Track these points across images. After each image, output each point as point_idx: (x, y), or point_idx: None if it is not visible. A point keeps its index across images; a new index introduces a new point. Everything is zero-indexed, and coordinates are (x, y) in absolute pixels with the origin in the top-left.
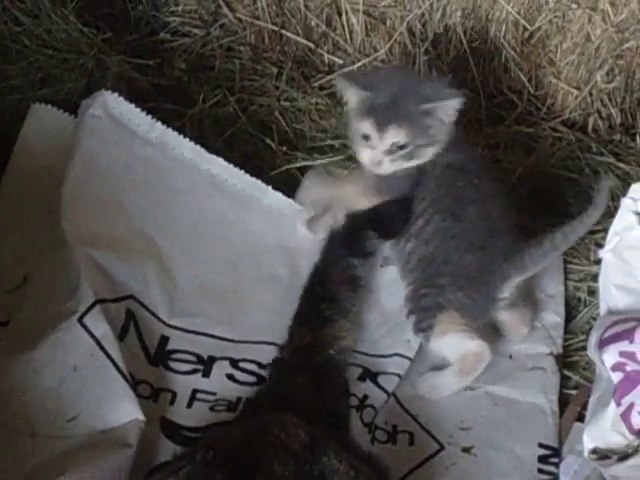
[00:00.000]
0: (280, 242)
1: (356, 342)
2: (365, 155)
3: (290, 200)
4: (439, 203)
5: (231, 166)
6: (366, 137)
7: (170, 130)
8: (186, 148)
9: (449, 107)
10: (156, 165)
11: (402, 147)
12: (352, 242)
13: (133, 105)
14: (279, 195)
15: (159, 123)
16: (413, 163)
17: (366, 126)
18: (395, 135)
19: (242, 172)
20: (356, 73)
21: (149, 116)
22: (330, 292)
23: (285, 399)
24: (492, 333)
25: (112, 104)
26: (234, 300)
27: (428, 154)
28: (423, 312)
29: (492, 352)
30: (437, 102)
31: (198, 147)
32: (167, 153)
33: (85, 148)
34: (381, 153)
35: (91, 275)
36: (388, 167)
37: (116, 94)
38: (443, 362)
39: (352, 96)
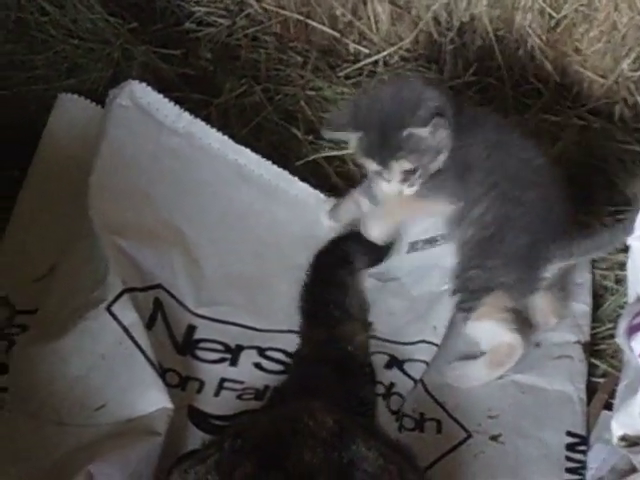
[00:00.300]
0: (305, 233)
1: (370, 338)
2: (385, 188)
3: (316, 191)
4: (497, 188)
5: (258, 156)
6: (378, 172)
7: (198, 120)
8: (213, 138)
9: (422, 132)
10: (183, 155)
11: (413, 171)
12: (335, 255)
13: (161, 95)
14: (306, 186)
15: (186, 113)
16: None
17: (372, 165)
18: (400, 166)
19: (269, 163)
20: (339, 116)
21: (177, 106)
22: (329, 298)
23: (312, 387)
24: (523, 322)
25: (140, 94)
26: (260, 289)
27: (440, 161)
28: (469, 293)
29: (525, 347)
30: (412, 128)
31: (225, 137)
32: (194, 143)
33: (112, 138)
34: (396, 184)
35: (119, 264)
36: (410, 190)
37: (144, 84)
38: (472, 350)
39: (349, 140)
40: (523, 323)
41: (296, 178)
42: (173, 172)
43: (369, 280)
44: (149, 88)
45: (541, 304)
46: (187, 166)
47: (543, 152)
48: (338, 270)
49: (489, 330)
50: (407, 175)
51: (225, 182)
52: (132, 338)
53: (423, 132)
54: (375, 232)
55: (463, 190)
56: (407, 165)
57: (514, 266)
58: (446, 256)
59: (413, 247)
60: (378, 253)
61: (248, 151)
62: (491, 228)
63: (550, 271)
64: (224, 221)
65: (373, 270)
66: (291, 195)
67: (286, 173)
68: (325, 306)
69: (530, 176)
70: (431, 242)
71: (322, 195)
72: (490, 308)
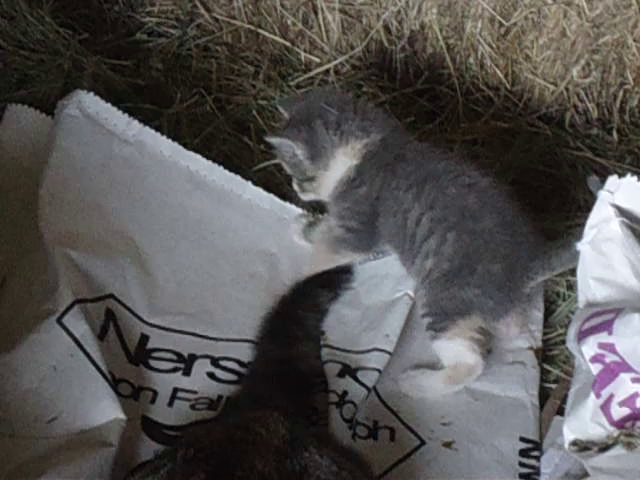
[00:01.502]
0: (260, 239)
1: (323, 347)
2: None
3: (270, 195)
4: (446, 221)
5: (209, 162)
6: None
7: (147, 128)
8: (164, 146)
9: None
10: (134, 164)
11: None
12: (326, 279)
13: (109, 104)
14: (259, 190)
15: (136, 122)
16: (313, 197)
17: None
18: (284, 167)
19: (221, 168)
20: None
21: (126, 115)
22: (298, 316)
23: (265, 397)
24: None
25: (88, 103)
26: (214, 297)
27: (314, 189)
28: (442, 315)
29: (483, 368)
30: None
31: (176, 144)
32: (145, 151)
33: (62, 148)
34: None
35: (69, 275)
36: (303, 196)
37: (92, 93)
38: (426, 359)
39: None
40: (487, 343)
41: (249, 182)
42: (124, 181)
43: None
44: (97, 97)
45: (508, 321)
46: (138, 175)
47: (484, 173)
48: (323, 292)
49: (455, 350)
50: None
51: (177, 189)
52: (83, 349)
53: (273, 141)
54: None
55: (391, 236)
56: (285, 167)
57: (492, 292)
58: (397, 265)
59: (365, 259)
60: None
61: (199, 157)
62: (455, 260)
63: (531, 286)
64: (176, 229)
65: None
66: (244, 199)
67: (238, 177)
68: (292, 325)
69: (477, 204)
70: (383, 252)
71: (276, 199)
72: (463, 329)
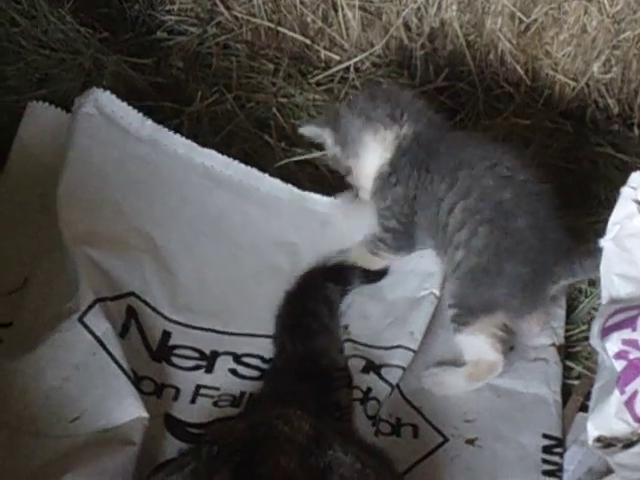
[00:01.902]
0: (280, 230)
1: (346, 341)
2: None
3: (288, 186)
4: (481, 214)
5: (225, 157)
6: None
7: (161, 127)
8: (178, 144)
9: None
10: (150, 162)
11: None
12: (332, 271)
13: (125, 103)
14: (277, 182)
15: (150, 121)
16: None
17: None
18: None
19: (236, 162)
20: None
21: (140, 114)
22: (311, 309)
23: (288, 394)
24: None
25: (104, 102)
26: (235, 293)
27: (355, 180)
28: (467, 309)
29: (505, 366)
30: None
31: (190, 142)
32: (159, 150)
33: (79, 147)
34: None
35: (90, 274)
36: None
37: (108, 92)
38: (450, 356)
39: None
40: (509, 341)
41: (266, 175)
42: (141, 179)
43: None
44: (114, 96)
45: (531, 320)
46: (155, 173)
47: (523, 163)
48: (329, 285)
49: (477, 345)
50: None
51: (194, 186)
52: (105, 348)
53: (302, 130)
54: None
55: (427, 226)
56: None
57: (517, 292)
58: (423, 261)
59: None
60: (375, 274)
61: (214, 153)
62: (484, 256)
63: (555, 290)
64: (196, 225)
65: None
66: (262, 192)
67: (255, 170)
68: (305, 318)
69: (513, 201)
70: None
71: (295, 189)
72: (486, 325)
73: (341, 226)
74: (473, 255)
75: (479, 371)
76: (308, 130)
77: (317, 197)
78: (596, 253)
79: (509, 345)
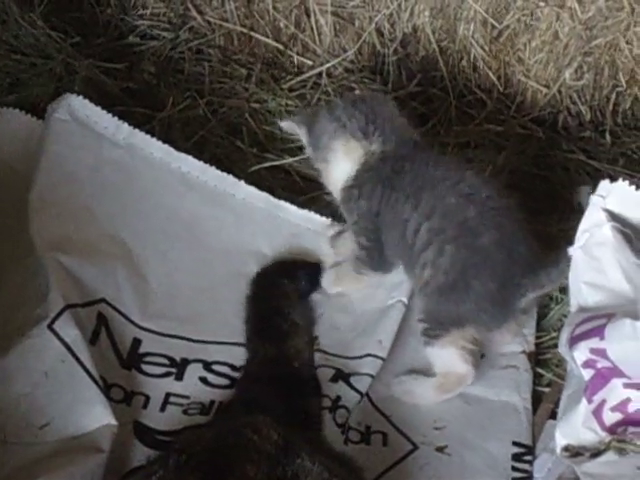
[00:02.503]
0: (252, 238)
1: (316, 352)
2: None
3: (264, 193)
4: (444, 233)
5: (201, 163)
6: None
7: (137, 131)
8: (155, 148)
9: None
10: (125, 167)
11: None
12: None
13: (99, 107)
14: (252, 189)
15: (126, 124)
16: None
17: None
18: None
19: (213, 168)
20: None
21: (115, 118)
22: (279, 310)
23: (258, 402)
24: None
25: (78, 107)
26: (206, 300)
27: (326, 182)
28: (437, 323)
29: (474, 377)
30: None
31: (167, 146)
32: (136, 154)
33: (52, 153)
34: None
35: (60, 280)
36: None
37: (81, 97)
38: (419, 364)
39: None
40: (479, 352)
41: (242, 182)
42: (115, 184)
43: (314, 294)
44: (87, 101)
45: (502, 331)
46: (129, 177)
47: (484, 181)
48: (283, 282)
49: (447, 357)
50: None
51: (169, 191)
52: (74, 355)
53: (281, 124)
54: (330, 290)
55: (394, 246)
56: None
57: (487, 308)
58: (391, 274)
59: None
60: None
61: (191, 158)
62: (451, 274)
63: (524, 303)
64: (169, 231)
65: None
66: (238, 199)
67: (231, 177)
68: (273, 319)
69: (477, 218)
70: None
71: (272, 198)
72: (456, 338)
73: (313, 241)
74: (440, 274)
75: (449, 382)
76: (287, 125)
77: (292, 208)
78: (562, 261)
79: (479, 356)
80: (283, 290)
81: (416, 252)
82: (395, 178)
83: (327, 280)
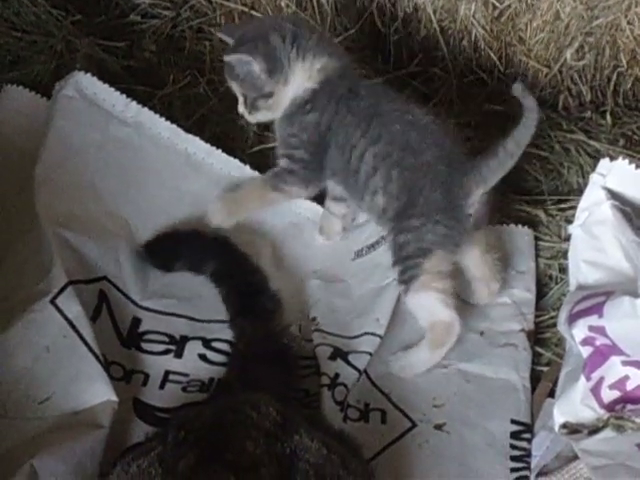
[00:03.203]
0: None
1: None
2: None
3: None
4: (390, 157)
5: (207, 145)
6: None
7: (146, 109)
8: (162, 127)
9: (233, 61)
10: (131, 145)
11: (245, 98)
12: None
13: (107, 85)
14: (257, 174)
15: (134, 103)
16: (264, 116)
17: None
18: (234, 89)
19: (219, 151)
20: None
21: (124, 95)
22: (255, 284)
23: (255, 379)
24: (463, 307)
25: (86, 84)
26: (206, 280)
27: (269, 104)
28: (407, 261)
29: (462, 326)
30: (226, 56)
31: (174, 126)
32: (143, 132)
33: (58, 129)
34: (241, 106)
35: (64, 256)
36: (250, 118)
37: (89, 74)
38: (415, 339)
39: None
40: (465, 310)
41: (247, 166)
42: (120, 162)
43: (313, 280)
44: (95, 78)
45: (480, 271)
46: (135, 156)
47: (427, 112)
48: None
49: (427, 304)
50: (245, 100)
51: (174, 171)
52: (76, 331)
53: (229, 59)
54: (222, 222)
55: (338, 170)
56: (235, 88)
57: (437, 218)
58: (388, 255)
59: (358, 254)
60: None
61: (197, 140)
62: (402, 197)
63: (472, 205)
64: (172, 211)
65: (318, 271)
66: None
67: (236, 161)
68: (255, 296)
69: (418, 139)
70: (374, 246)
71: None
72: (429, 276)
73: (311, 231)
74: (394, 199)
75: (437, 335)
76: (234, 58)
77: None
78: (500, 151)
79: (458, 299)
80: (252, 265)
81: (362, 178)
82: (351, 99)
83: (217, 212)
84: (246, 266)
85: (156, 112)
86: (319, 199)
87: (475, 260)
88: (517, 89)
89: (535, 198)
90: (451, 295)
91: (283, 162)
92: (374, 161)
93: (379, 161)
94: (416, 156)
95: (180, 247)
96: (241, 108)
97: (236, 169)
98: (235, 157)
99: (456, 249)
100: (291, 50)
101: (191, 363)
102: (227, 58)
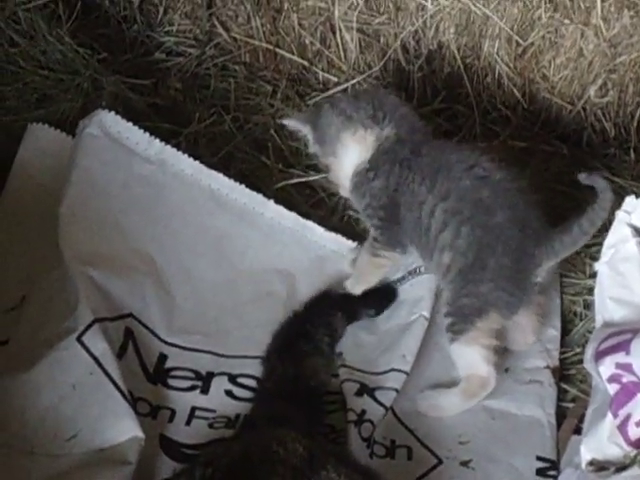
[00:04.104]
0: (279, 258)
1: (340, 367)
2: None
3: (292, 213)
4: (460, 214)
5: (231, 181)
6: None
7: (169, 147)
8: (186, 164)
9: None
10: (155, 182)
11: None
12: (342, 300)
13: (131, 123)
14: (281, 208)
15: (157, 140)
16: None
17: None
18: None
19: (243, 186)
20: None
21: (147, 134)
22: (307, 331)
23: (282, 415)
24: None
25: (109, 123)
26: (232, 317)
27: (333, 178)
28: (461, 316)
29: (497, 381)
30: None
31: (197, 163)
32: (167, 170)
33: (83, 167)
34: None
35: (89, 294)
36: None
37: (113, 113)
38: (443, 378)
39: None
40: (502, 354)
41: (271, 201)
42: (145, 200)
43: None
44: (119, 117)
45: (523, 323)
46: (159, 193)
47: (499, 165)
48: (337, 313)
49: (469, 357)
50: None
51: (198, 208)
52: (102, 368)
53: (285, 122)
54: (355, 290)
55: (411, 230)
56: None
57: (504, 285)
58: (413, 290)
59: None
60: (379, 306)
61: (221, 176)
62: (469, 255)
63: (540, 275)
64: (197, 248)
65: None
66: (266, 218)
67: (260, 196)
68: (298, 340)
69: (491, 198)
70: (400, 281)
71: (300, 218)
72: (480, 332)
73: (337, 264)
74: (459, 255)
75: (472, 387)
76: (291, 124)
77: (319, 229)
78: (574, 228)
79: (502, 359)
80: (329, 319)
81: (433, 235)
82: (412, 159)
83: (351, 284)
84: (309, 312)
85: (182, 150)
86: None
87: (526, 319)
88: (584, 178)
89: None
90: (495, 352)
91: (370, 231)
92: (444, 217)
93: (449, 217)
94: (488, 215)
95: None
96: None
97: (260, 204)
98: (260, 193)
99: (512, 315)
100: (339, 121)
101: (217, 399)
102: (284, 122)
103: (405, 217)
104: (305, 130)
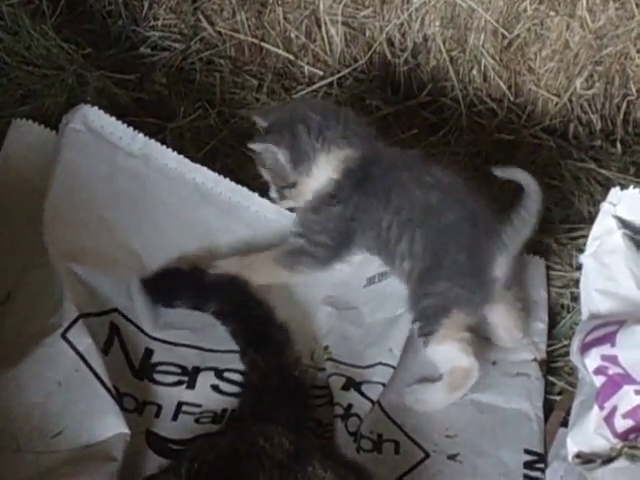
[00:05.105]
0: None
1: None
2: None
3: (276, 206)
4: (413, 222)
5: (215, 174)
6: None
7: (152, 141)
8: (170, 158)
9: (261, 150)
10: (139, 177)
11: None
12: None
13: (114, 118)
14: (265, 202)
15: (141, 135)
16: (289, 204)
17: None
18: (264, 175)
19: (227, 180)
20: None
21: (130, 128)
22: (261, 317)
23: (269, 410)
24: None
25: (93, 118)
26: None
27: (293, 196)
28: (426, 318)
29: (480, 370)
30: (253, 145)
31: (182, 157)
32: (151, 164)
33: (66, 162)
34: (271, 192)
35: (74, 290)
36: (281, 204)
37: (96, 107)
38: (430, 372)
39: None
40: (479, 345)
41: (255, 194)
42: (129, 194)
43: (325, 307)
44: (102, 112)
45: (504, 320)
46: (143, 187)
47: (447, 172)
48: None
49: (447, 353)
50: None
51: (183, 202)
52: (88, 364)
53: (257, 147)
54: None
55: (373, 245)
56: (264, 175)
57: (462, 282)
58: (401, 284)
59: (370, 281)
60: None
61: (205, 169)
62: (427, 259)
63: (500, 270)
64: (182, 242)
65: (330, 298)
66: (251, 211)
67: (245, 189)
68: (266, 330)
69: (439, 200)
70: (386, 274)
71: (284, 211)
72: (449, 330)
73: None
74: (418, 261)
75: (456, 379)
76: (260, 147)
77: None
78: (514, 218)
79: (486, 351)
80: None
81: (392, 246)
82: (369, 185)
83: (220, 267)
84: (250, 300)
85: (167, 144)
86: None
87: (500, 314)
88: (500, 173)
89: (546, 226)
90: (470, 343)
91: (301, 243)
92: (399, 229)
93: (403, 227)
94: (439, 216)
95: (180, 286)
96: (272, 194)
97: (245, 197)
98: (244, 186)
99: (477, 311)
100: (316, 143)
101: (203, 394)
102: (254, 146)
103: (364, 238)
104: (279, 153)
